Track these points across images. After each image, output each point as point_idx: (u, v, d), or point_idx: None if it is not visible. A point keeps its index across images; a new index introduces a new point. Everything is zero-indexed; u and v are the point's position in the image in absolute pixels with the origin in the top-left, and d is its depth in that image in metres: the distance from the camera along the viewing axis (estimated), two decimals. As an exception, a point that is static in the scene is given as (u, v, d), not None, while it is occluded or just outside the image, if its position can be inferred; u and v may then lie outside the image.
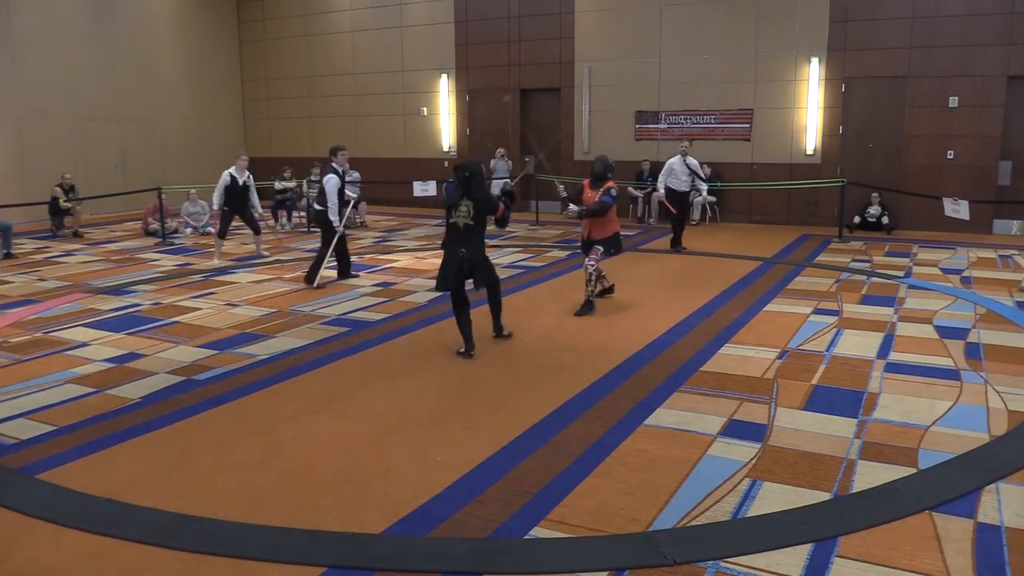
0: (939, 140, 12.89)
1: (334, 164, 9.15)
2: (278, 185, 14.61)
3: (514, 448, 4.50)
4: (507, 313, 7.76)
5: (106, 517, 3.75)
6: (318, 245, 11.53)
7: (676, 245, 11.38)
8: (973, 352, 6.25)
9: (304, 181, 14.87)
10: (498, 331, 6.84)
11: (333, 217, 9.06)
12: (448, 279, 6.31)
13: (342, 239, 9.19)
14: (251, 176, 11.23)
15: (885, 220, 13.01)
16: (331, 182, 9.03)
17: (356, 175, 15.06)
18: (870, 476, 4.05)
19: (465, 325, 6.39)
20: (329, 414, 5.09)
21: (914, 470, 4.12)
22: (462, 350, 6.32)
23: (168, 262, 10.98)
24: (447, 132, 17.03)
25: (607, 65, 15.21)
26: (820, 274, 9.56)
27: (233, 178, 10.88)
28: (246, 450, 4.53)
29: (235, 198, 10.88)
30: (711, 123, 14.50)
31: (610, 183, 7.90)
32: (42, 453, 4.48)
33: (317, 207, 9.31)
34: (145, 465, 4.34)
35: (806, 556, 3.34)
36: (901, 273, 9.51)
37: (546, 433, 4.71)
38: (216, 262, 10.84)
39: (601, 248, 7.77)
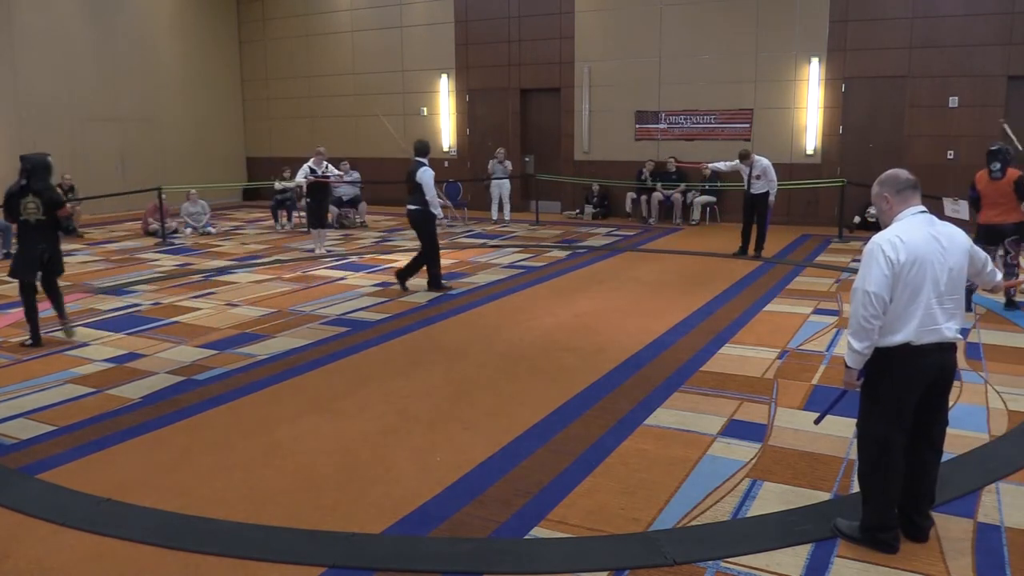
0: (939, 140, 12.88)
1: (423, 160, 8.73)
2: (278, 185, 14.61)
3: (514, 448, 4.50)
4: (507, 313, 7.78)
5: (106, 517, 3.75)
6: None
7: (758, 250, 10.83)
8: (973, 352, 6.25)
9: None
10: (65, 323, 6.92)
11: (435, 209, 8.71)
12: (29, 271, 6.65)
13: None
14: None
15: (885, 220, 12.99)
16: (427, 174, 8.61)
17: (356, 175, 15.11)
18: (870, 476, 4.05)
19: (34, 314, 6.71)
20: (329, 414, 5.09)
21: (914, 470, 4.12)
22: (29, 342, 6.66)
23: (168, 262, 10.98)
24: (447, 132, 17.03)
25: (607, 65, 15.21)
26: (820, 274, 9.56)
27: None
28: (246, 450, 4.53)
29: None
30: (711, 123, 14.49)
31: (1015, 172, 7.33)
32: (42, 453, 4.49)
33: (412, 206, 8.77)
34: (145, 465, 4.34)
35: (806, 556, 3.34)
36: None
37: (546, 433, 4.71)
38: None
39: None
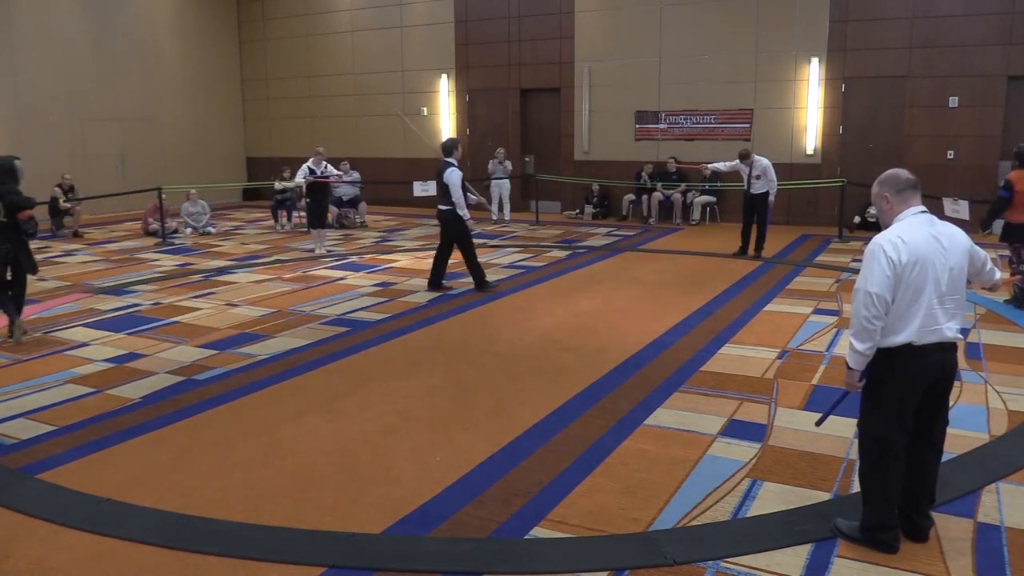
0: (939, 140, 12.88)
1: (451, 160, 8.68)
2: (278, 185, 14.61)
3: (514, 448, 4.50)
4: (507, 313, 7.78)
5: (106, 517, 3.75)
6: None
7: (758, 250, 10.81)
8: (973, 352, 6.25)
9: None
10: (15, 331, 6.84)
11: (463, 211, 8.59)
12: None
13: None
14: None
15: (885, 220, 12.98)
16: (454, 174, 8.53)
17: (356, 175, 15.11)
18: (870, 476, 4.05)
19: (8, 305, 6.85)
20: (329, 414, 5.09)
21: (914, 470, 4.12)
22: (11, 338, 6.75)
23: (168, 262, 10.98)
24: (447, 132, 17.01)
25: (607, 65, 15.21)
26: (820, 274, 9.56)
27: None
28: (246, 450, 4.53)
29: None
30: (711, 123, 14.49)
31: None
32: (42, 453, 4.48)
33: (442, 207, 8.75)
34: (145, 465, 4.34)
35: (806, 556, 3.34)
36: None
37: (546, 433, 4.70)
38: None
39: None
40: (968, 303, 7.87)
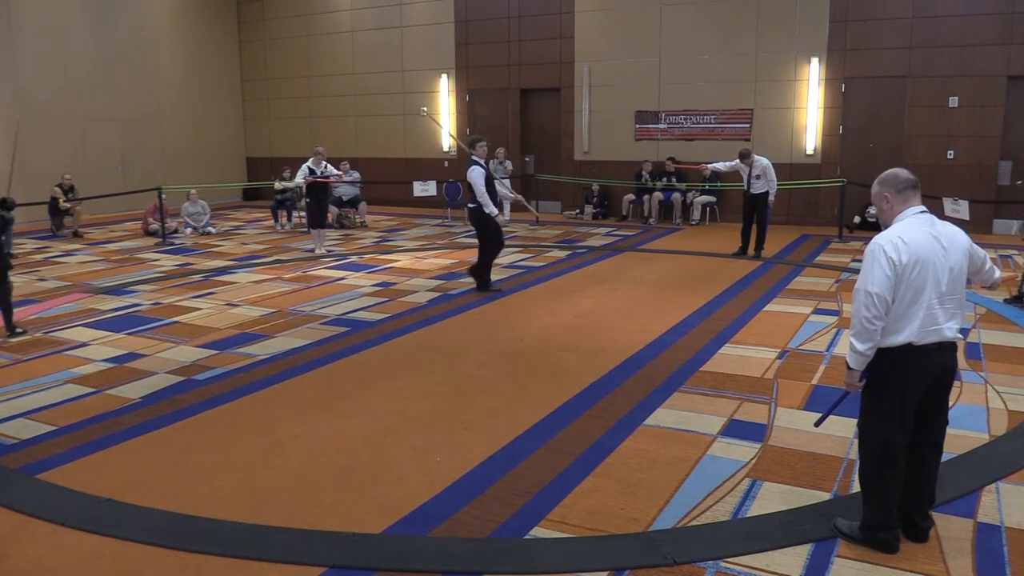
0: (939, 140, 12.88)
1: (475, 156, 8.66)
2: (278, 185, 14.61)
3: (514, 448, 4.49)
4: (507, 313, 7.78)
5: (106, 517, 3.75)
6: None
7: (758, 250, 10.79)
8: (973, 352, 6.25)
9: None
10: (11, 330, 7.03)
11: (489, 208, 8.55)
12: None
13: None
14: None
15: (885, 220, 12.98)
16: (475, 173, 8.53)
17: (356, 175, 15.11)
18: (870, 476, 4.04)
19: None
20: (329, 414, 5.09)
21: (914, 470, 4.11)
22: (8, 335, 6.93)
23: (168, 262, 10.98)
24: (448, 132, 17.02)
25: (607, 65, 15.21)
26: (820, 274, 9.56)
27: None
28: (246, 450, 4.53)
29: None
30: (711, 123, 14.49)
31: None
32: (42, 453, 4.48)
33: (470, 205, 8.82)
34: (145, 465, 4.34)
35: (806, 556, 3.34)
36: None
37: (546, 433, 4.70)
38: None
39: None
40: (968, 303, 7.89)
